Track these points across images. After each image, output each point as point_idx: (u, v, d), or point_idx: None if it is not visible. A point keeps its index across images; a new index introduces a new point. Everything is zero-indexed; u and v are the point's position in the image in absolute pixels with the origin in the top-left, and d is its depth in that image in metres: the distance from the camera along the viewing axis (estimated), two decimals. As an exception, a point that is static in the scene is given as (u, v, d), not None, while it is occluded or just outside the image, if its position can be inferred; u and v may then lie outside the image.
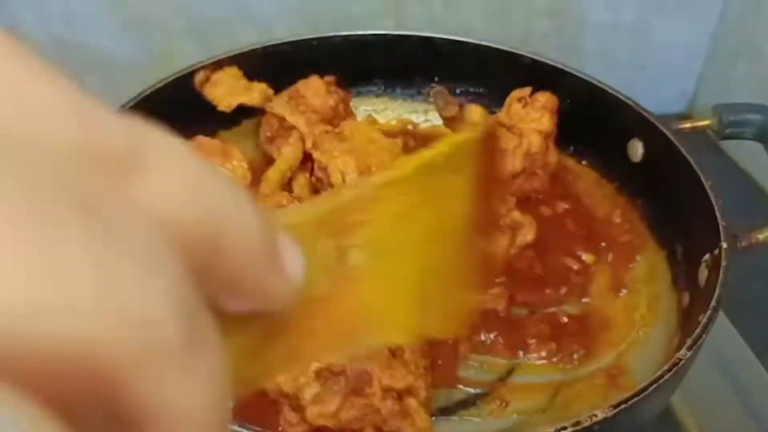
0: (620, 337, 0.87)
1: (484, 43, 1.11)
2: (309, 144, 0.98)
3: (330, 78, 1.05)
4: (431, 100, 1.11)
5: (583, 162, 1.08)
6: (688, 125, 0.98)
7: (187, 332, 0.21)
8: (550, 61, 1.07)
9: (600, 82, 1.03)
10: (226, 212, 0.25)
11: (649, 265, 0.94)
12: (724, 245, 0.79)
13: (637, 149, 1.00)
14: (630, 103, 0.99)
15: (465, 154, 0.46)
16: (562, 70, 1.06)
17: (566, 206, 1.03)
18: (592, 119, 1.04)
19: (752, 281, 1.06)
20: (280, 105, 1.02)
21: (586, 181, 1.07)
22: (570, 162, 1.08)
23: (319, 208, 0.37)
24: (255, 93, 1.03)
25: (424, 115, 1.17)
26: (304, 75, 1.07)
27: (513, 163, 0.98)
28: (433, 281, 0.46)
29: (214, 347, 0.24)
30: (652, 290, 0.92)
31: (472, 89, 1.15)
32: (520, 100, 1.03)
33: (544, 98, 1.01)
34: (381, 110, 1.18)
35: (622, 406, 0.63)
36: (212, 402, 0.22)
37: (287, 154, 0.99)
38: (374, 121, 1.14)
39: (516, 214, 0.91)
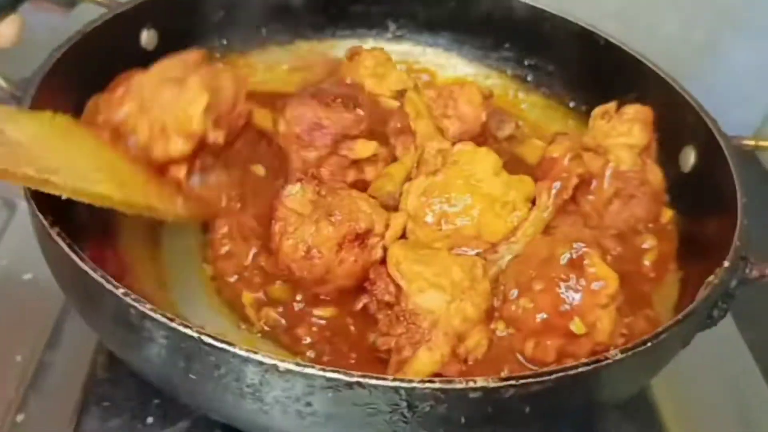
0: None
1: (560, 14, 1.04)
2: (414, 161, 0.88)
3: (488, 91, 0.96)
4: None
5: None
6: (751, 143, 0.87)
7: None
8: (624, 47, 0.99)
9: (673, 79, 0.94)
10: None
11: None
12: (726, 264, 0.70)
13: (689, 158, 0.90)
14: (694, 105, 0.90)
15: None
16: (635, 58, 0.98)
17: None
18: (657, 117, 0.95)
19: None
20: (417, 101, 0.92)
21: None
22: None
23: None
24: (393, 80, 0.94)
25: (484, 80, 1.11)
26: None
27: (601, 186, 0.85)
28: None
29: None
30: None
31: (540, 64, 1.09)
32: (603, 115, 0.90)
33: (633, 110, 0.89)
34: (444, 66, 1.13)
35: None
36: None
37: (407, 163, 0.87)
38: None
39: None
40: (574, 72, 1.05)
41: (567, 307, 0.70)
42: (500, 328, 0.73)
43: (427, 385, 0.56)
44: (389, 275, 0.72)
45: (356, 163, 0.84)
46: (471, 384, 0.57)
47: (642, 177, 0.86)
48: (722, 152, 0.83)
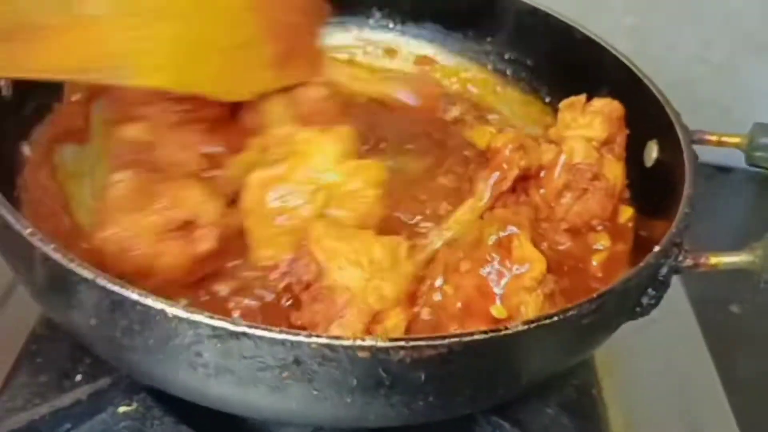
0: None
1: (542, 8, 1.03)
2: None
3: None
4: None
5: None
6: (714, 138, 0.84)
7: None
8: (599, 39, 0.97)
9: (642, 72, 0.92)
10: None
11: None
12: (657, 248, 0.67)
13: (652, 152, 0.88)
14: (659, 97, 0.88)
15: None
16: (609, 52, 0.95)
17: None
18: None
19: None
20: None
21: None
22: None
23: None
24: None
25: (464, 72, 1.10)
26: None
27: (551, 177, 0.82)
28: (205, 43, 0.62)
29: None
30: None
31: (520, 59, 1.07)
32: (569, 107, 0.88)
33: (600, 103, 0.87)
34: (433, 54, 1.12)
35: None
36: None
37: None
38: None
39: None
40: (551, 67, 1.03)
41: (490, 289, 0.68)
42: (424, 313, 0.71)
43: (314, 339, 0.56)
44: (310, 252, 0.70)
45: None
46: (359, 342, 0.56)
47: (596, 171, 0.83)
48: (680, 146, 0.81)
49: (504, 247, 0.69)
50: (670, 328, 0.92)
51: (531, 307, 0.68)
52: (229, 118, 0.81)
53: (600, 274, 0.81)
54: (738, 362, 0.96)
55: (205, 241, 0.71)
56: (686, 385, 0.90)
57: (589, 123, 0.85)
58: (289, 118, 0.81)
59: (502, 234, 0.70)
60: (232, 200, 0.75)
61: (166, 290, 0.65)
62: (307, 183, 0.73)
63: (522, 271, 0.68)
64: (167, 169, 0.74)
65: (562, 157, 0.82)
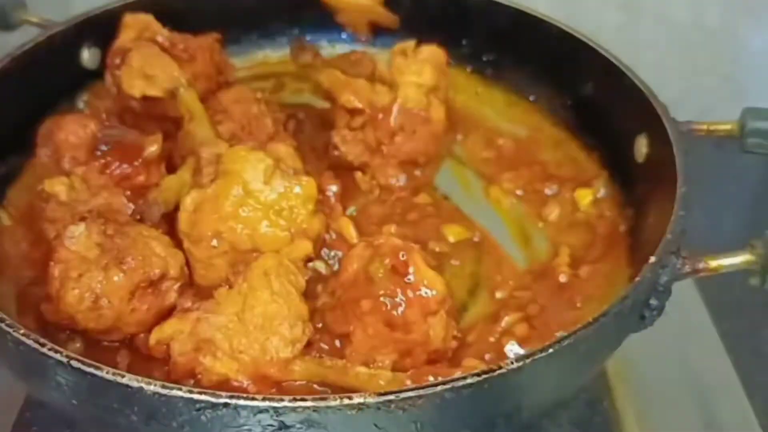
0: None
1: (513, 5, 0.99)
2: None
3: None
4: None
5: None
6: (704, 127, 0.81)
7: None
8: (577, 34, 0.93)
9: (625, 66, 0.89)
10: None
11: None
12: (652, 259, 0.64)
13: (642, 147, 0.84)
14: (644, 91, 0.84)
15: None
16: (588, 46, 0.92)
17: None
18: (606, 105, 0.90)
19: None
20: (191, 100, 0.86)
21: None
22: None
23: None
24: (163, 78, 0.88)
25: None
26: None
27: (388, 120, 0.89)
28: None
29: None
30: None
31: (498, 58, 1.04)
32: (402, 53, 0.93)
33: (428, 51, 0.93)
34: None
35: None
36: None
37: (184, 174, 0.80)
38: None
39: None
40: (530, 64, 1.00)
41: (396, 321, 0.66)
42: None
43: (299, 404, 0.53)
44: None
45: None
46: (346, 401, 0.53)
47: (426, 115, 0.91)
48: (669, 139, 0.78)
49: (399, 273, 0.68)
50: (683, 325, 0.89)
51: (438, 328, 0.67)
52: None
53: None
54: (760, 362, 0.92)
55: (172, 293, 0.71)
56: (704, 386, 0.86)
57: (419, 70, 0.92)
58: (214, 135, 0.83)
59: (393, 262, 0.68)
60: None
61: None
62: (236, 203, 0.71)
63: (426, 296, 0.67)
64: (109, 215, 0.73)
65: (398, 102, 0.90)
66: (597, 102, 0.93)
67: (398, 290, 0.66)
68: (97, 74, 0.96)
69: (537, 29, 0.99)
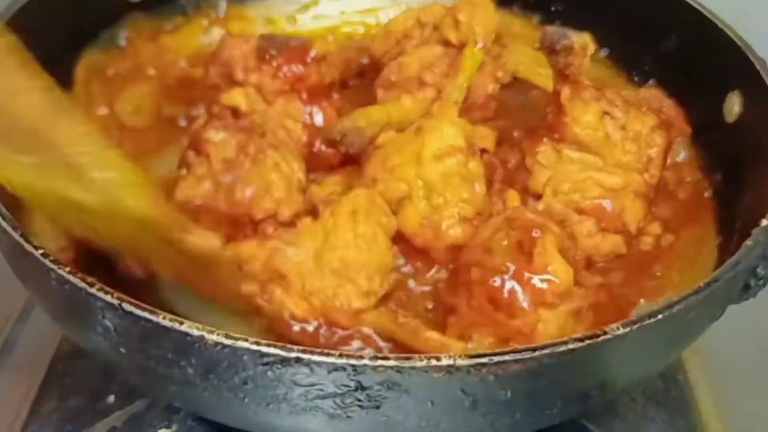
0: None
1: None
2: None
3: None
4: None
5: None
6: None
7: None
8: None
9: (714, 15, 0.81)
10: None
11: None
12: (765, 222, 0.58)
13: (733, 106, 0.77)
14: (740, 44, 0.77)
15: None
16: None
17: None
18: (691, 59, 0.83)
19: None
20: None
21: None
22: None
23: None
24: None
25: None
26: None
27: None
28: None
29: None
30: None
31: (569, 9, 0.96)
32: None
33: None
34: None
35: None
36: None
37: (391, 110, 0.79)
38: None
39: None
40: (602, 14, 0.92)
41: (501, 300, 0.59)
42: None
43: (380, 362, 0.47)
44: None
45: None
46: (434, 362, 0.47)
47: None
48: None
49: (525, 252, 0.60)
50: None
51: (551, 326, 0.59)
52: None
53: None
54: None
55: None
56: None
57: None
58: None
59: (521, 237, 0.60)
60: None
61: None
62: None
63: (543, 285, 0.59)
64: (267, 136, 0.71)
65: None
66: (680, 56, 0.86)
67: (512, 267, 0.58)
68: (139, 7, 0.91)
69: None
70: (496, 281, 0.58)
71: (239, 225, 0.67)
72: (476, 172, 0.70)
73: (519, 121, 0.81)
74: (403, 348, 0.62)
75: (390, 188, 0.66)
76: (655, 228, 0.74)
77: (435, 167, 0.67)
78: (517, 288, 0.58)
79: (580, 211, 0.70)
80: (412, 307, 0.64)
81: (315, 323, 0.59)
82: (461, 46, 0.78)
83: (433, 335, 0.60)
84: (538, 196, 0.71)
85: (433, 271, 0.67)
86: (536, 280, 0.58)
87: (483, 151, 0.73)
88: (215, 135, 0.68)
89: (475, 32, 0.78)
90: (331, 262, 0.60)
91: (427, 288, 0.66)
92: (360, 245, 0.60)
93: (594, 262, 0.70)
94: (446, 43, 0.81)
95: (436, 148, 0.68)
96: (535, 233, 0.59)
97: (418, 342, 0.61)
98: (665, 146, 0.74)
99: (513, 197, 0.70)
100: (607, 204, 0.70)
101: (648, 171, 0.73)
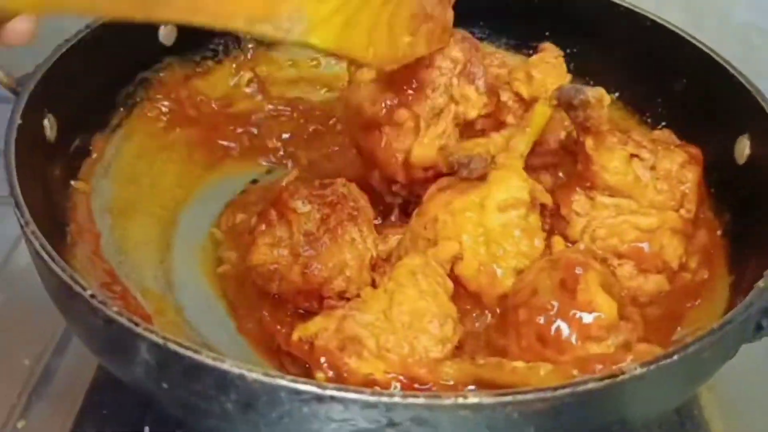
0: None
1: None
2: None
3: None
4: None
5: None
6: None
7: None
8: (670, 26, 0.89)
9: (725, 60, 0.84)
10: None
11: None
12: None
13: (744, 148, 0.80)
14: (750, 88, 0.80)
15: None
16: (684, 39, 0.88)
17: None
18: (701, 103, 0.86)
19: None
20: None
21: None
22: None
23: None
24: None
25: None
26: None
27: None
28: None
29: None
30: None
31: (583, 51, 0.99)
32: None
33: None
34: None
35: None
36: None
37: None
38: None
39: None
40: (616, 57, 0.96)
41: (549, 338, 0.61)
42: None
43: (410, 400, 0.50)
44: None
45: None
46: (461, 400, 0.50)
47: None
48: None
49: (569, 289, 0.62)
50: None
51: None
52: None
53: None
54: None
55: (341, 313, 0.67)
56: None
57: None
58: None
59: (563, 275, 0.63)
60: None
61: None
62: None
63: (588, 319, 0.61)
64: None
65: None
66: (690, 99, 0.90)
67: (557, 304, 0.61)
68: (172, 51, 0.95)
69: (624, 20, 0.95)
70: (542, 319, 0.61)
71: (307, 295, 0.71)
72: (535, 225, 0.71)
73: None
74: (485, 386, 0.62)
75: (444, 247, 0.68)
76: (693, 262, 0.76)
77: (497, 217, 0.69)
78: (563, 324, 0.61)
79: (620, 255, 0.72)
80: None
81: (397, 385, 0.60)
82: (531, 101, 0.80)
83: (519, 364, 0.61)
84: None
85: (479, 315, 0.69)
86: (581, 315, 0.60)
87: (543, 206, 0.74)
88: (302, 207, 0.72)
89: (547, 89, 0.79)
90: (400, 316, 0.62)
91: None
92: (425, 297, 0.63)
93: (640, 302, 0.72)
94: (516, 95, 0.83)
95: (501, 198, 0.70)
96: (578, 270, 0.62)
97: (504, 375, 0.61)
98: (697, 180, 0.76)
99: (559, 242, 0.72)
100: (644, 246, 0.72)
101: (683, 206, 0.75)
